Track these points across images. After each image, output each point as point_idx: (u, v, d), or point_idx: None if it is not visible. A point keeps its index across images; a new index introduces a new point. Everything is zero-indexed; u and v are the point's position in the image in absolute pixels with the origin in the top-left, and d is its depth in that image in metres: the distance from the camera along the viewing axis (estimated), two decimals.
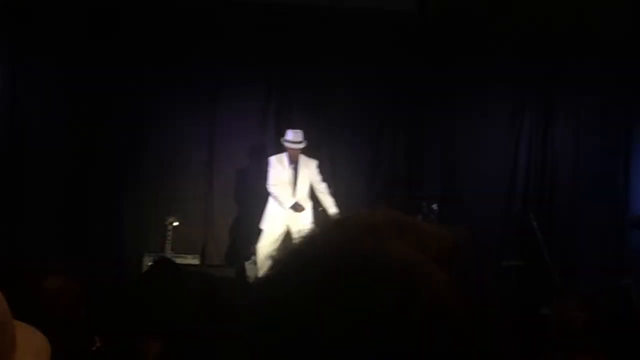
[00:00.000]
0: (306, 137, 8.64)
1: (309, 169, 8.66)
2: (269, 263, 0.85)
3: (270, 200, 8.62)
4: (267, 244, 8.41)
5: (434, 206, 8.96)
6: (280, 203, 8.53)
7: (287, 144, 8.57)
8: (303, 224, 8.31)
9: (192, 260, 9.16)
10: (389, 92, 9.69)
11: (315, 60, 9.52)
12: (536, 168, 9.81)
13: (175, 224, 9.01)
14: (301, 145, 8.58)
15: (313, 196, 8.72)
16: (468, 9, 9.49)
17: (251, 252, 8.88)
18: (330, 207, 8.59)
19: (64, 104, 9.19)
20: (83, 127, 9.22)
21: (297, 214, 8.48)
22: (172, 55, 9.34)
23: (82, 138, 9.21)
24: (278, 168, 8.57)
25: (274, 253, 0.85)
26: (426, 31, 9.59)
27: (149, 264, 8.83)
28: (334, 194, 8.75)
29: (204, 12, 9.34)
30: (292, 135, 8.56)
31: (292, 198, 8.53)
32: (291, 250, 0.84)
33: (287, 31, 9.49)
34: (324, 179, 8.75)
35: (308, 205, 8.63)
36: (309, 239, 0.85)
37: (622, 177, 9.80)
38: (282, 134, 8.74)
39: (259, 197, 8.81)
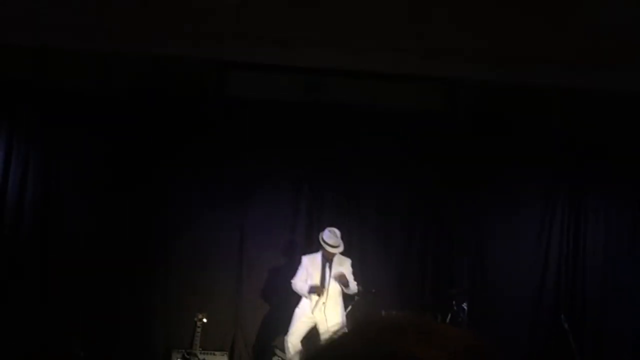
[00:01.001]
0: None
1: (343, 267, 8.62)
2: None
3: (301, 300, 8.62)
4: (295, 339, 8.41)
5: (464, 305, 8.90)
6: (302, 294, 8.50)
7: (325, 247, 8.49)
8: (331, 323, 8.29)
9: (221, 357, 9.12)
10: (418, 188, 9.75)
11: (345, 156, 9.66)
12: (567, 268, 9.74)
13: (205, 320, 9.01)
14: (339, 250, 8.51)
15: (345, 296, 8.70)
16: (498, 110, 9.66)
17: (274, 348, 8.86)
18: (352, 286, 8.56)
19: (94, 199, 9.36)
20: (113, 222, 9.34)
21: (326, 314, 8.41)
22: (203, 152, 9.51)
23: (112, 232, 9.32)
24: (309, 269, 8.57)
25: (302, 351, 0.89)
26: (456, 130, 9.73)
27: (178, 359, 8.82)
28: (363, 291, 8.72)
29: (233, 110, 9.55)
30: (332, 239, 8.49)
31: (328, 295, 8.49)
32: (318, 350, 0.88)
33: (317, 129, 9.65)
34: (354, 275, 8.71)
35: (339, 304, 8.58)
36: (335, 339, 0.88)
37: None
38: (315, 230, 8.78)
39: (289, 295, 8.80)
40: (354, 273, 8.67)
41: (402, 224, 9.78)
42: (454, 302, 8.93)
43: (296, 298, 8.65)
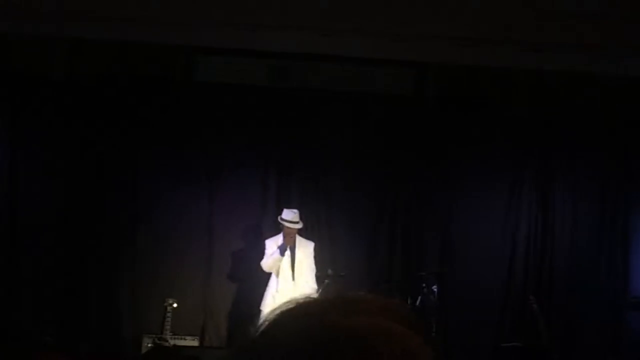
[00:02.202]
0: (305, 216, 8.67)
1: (306, 249, 8.64)
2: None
3: (270, 282, 8.63)
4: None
5: (434, 287, 8.95)
6: (274, 265, 8.47)
7: (284, 223, 8.50)
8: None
9: (191, 341, 9.12)
10: (387, 171, 9.76)
11: (313, 141, 9.64)
12: (535, 248, 9.81)
13: (175, 305, 8.99)
14: (298, 226, 8.52)
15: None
16: (466, 95, 9.71)
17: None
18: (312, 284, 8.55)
19: (62, 185, 9.28)
20: (81, 208, 9.30)
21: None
22: (171, 137, 9.46)
23: (80, 219, 9.28)
24: (273, 249, 8.57)
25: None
26: (424, 112, 9.76)
27: (148, 345, 8.80)
28: (333, 274, 8.73)
29: (200, 94, 9.52)
30: (289, 215, 8.50)
31: (292, 280, 8.51)
32: (263, 327, 0.87)
33: (285, 113, 9.63)
34: (323, 258, 8.74)
35: (305, 285, 8.51)
36: (280, 316, 0.88)
37: (621, 257, 9.81)
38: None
39: (258, 278, 8.79)
40: (317, 257, 8.68)
41: (370, 206, 9.78)
42: (424, 285, 8.98)
43: (265, 280, 8.64)
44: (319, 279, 8.67)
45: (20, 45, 9.08)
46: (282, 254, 8.41)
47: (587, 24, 8.26)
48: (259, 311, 8.48)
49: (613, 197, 9.89)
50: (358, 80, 9.71)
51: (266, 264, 8.51)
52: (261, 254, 8.65)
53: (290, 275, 8.51)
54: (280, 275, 8.51)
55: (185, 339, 9.05)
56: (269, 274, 8.56)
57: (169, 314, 8.93)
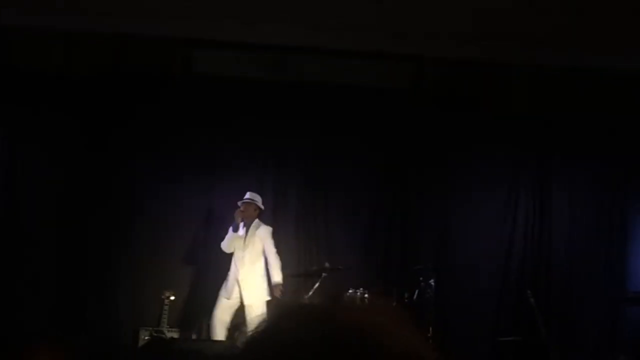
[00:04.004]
0: (302, 209, 8.60)
1: (262, 232, 8.71)
2: (242, 341, 0.89)
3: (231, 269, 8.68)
4: (222, 312, 8.60)
5: (431, 282, 8.94)
6: (228, 239, 8.66)
7: (240, 203, 8.65)
8: (256, 295, 8.45)
9: (188, 334, 9.11)
10: (384, 165, 9.78)
11: (310, 135, 9.65)
12: (532, 244, 9.81)
13: (172, 298, 8.99)
14: (247, 201, 8.66)
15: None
16: (463, 89, 9.70)
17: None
18: (275, 275, 8.61)
19: (60, 179, 9.29)
20: (79, 201, 9.30)
21: (249, 286, 8.52)
22: (167, 130, 9.47)
23: (78, 213, 9.28)
24: (230, 232, 8.68)
25: (245, 333, 0.89)
26: (421, 107, 9.74)
27: (145, 337, 8.81)
28: (330, 268, 8.74)
29: (197, 87, 9.51)
30: (246, 195, 8.69)
31: (242, 261, 8.59)
32: (254, 338, 0.86)
33: (282, 106, 9.63)
34: (320, 252, 8.73)
35: (256, 270, 8.64)
36: (267, 325, 0.87)
37: (618, 252, 9.81)
38: (280, 206, 8.81)
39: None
40: (318, 246, 8.72)
41: (368, 200, 9.79)
42: (421, 279, 8.97)
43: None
44: (316, 273, 8.68)
45: (17, 40, 9.05)
46: (235, 230, 8.59)
47: (587, 22, 8.25)
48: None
49: (611, 192, 9.89)
50: (355, 74, 9.68)
51: (223, 244, 8.70)
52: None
53: (241, 256, 8.61)
54: (233, 259, 8.66)
55: (182, 332, 9.05)
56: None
57: (166, 307, 8.94)
